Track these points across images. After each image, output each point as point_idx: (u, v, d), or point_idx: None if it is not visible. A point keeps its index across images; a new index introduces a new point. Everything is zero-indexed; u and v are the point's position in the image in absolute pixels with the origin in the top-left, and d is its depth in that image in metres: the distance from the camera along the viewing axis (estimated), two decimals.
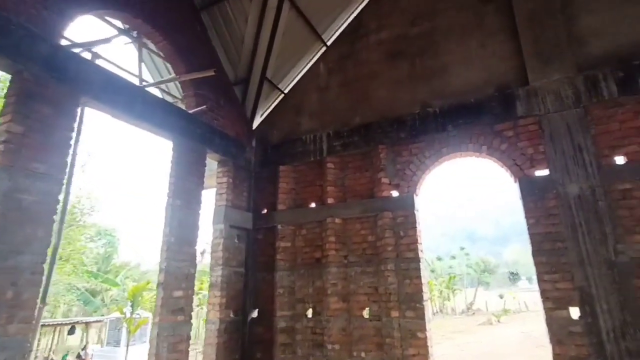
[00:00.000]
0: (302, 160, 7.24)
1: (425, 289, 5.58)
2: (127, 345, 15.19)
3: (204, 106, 6.46)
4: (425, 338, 5.27)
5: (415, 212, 5.90)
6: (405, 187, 6.07)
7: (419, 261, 5.63)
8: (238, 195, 7.35)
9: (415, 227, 5.81)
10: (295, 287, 6.70)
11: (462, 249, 50.43)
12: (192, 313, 5.82)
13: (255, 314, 7.01)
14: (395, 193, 6.16)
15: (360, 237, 6.37)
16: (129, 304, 16.04)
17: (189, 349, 5.79)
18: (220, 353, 6.23)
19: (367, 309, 6.03)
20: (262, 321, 6.83)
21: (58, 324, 14.46)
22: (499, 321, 25.77)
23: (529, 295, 45.39)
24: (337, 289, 6.17)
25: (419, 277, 5.56)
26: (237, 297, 6.89)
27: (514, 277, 59.97)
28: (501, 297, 39.14)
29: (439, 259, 45.96)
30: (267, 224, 7.15)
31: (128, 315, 15.60)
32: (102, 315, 18.93)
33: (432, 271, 41.82)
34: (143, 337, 15.83)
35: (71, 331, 11.64)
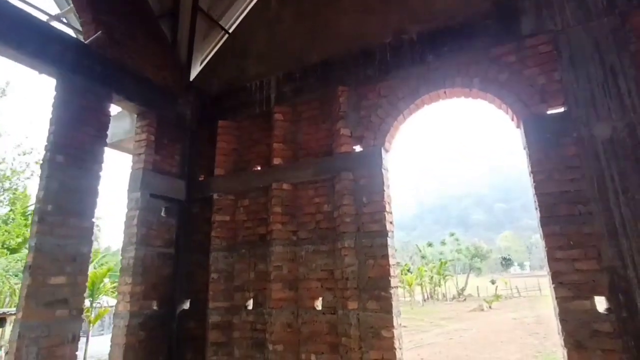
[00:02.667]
0: (246, 113, 5.71)
1: (394, 271, 4.15)
2: (87, 336, 13.91)
3: (100, 32, 4.85)
4: (392, 338, 3.86)
5: (383, 171, 4.43)
6: (371, 139, 4.58)
7: (387, 235, 4.18)
8: (166, 158, 5.81)
9: (383, 192, 4.34)
10: (234, 272, 5.25)
11: (452, 234, 49.36)
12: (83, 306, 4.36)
13: (186, 305, 5.56)
14: (357, 148, 4.67)
15: (313, 207, 4.90)
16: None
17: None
18: (132, 355, 4.79)
19: (320, 299, 4.60)
20: (194, 314, 5.39)
21: None
22: (490, 307, 24.78)
23: (520, 281, 44.82)
24: (282, 273, 4.72)
25: (385, 256, 4.12)
26: (163, 285, 5.43)
27: (506, 262, 59.34)
28: (493, 282, 38.31)
29: (430, 244, 44.92)
30: (204, 194, 5.65)
31: (87, 304, 14.24)
32: None
33: (423, 257, 40.82)
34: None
35: (0, 324, 10.15)
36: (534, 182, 3.56)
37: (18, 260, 14.96)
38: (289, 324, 4.55)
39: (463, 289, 36.23)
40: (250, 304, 5.04)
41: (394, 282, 4.10)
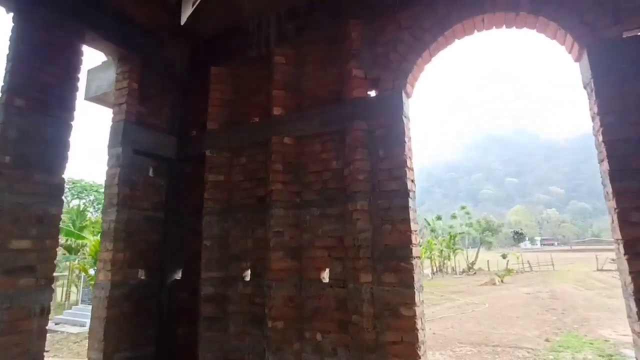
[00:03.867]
0: (243, 59, 4.92)
1: (415, 239, 3.46)
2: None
3: None
4: (414, 317, 3.22)
5: (404, 119, 3.66)
6: (389, 81, 3.79)
7: (408, 196, 3.47)
8: (153, 111, 5.10)
9: (403, 143, 3.59)
10: (230, 239, 4.62)
11: (463, 207, 48.41)
12: (55, 274, 3.79)
13: (178, 275, 5.00)
14: (372, 92, 3.89)
15: (320, 164, 4.18)
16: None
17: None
18: (116, 329, 4.27)
19: (326, 270, 3.97)
20: (187, 285, 4.83)
21: None
22: (502, 281, 24.27)
23: (532, 255, 44.22)
24: (283, 240, 4.07)
25: (406, 220, 3.42)
26: (152, 252, 4.85)
27: (518, 236, 58.32)
28: (504, 257, 37.70)
29: (439, 218, 44.13)
30: (196, 151, 4.96)
31: (92, 273, 14.04)
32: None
33: (432, 231, 40.18)
34: None
35: None
36: (601, 126, 2.77)
37: None
38: (290, 298, 3.95)
39: (473, 263, 35.75)
40: (247, 275, 4.45)
41: (415, 251, 3.42)
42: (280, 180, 4.18)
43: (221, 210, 4.65)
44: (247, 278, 4.43)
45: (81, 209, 23.12)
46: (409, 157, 3.61)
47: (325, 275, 3.99)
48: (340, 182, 3.99)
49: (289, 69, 4.50)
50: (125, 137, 4.55)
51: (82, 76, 4.18)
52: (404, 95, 3.70)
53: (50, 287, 3.68)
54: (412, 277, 3.31)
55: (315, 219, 4.07)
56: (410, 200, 3.48)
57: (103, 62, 5.85)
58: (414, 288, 3.28)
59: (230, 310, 4.42)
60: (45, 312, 3.63)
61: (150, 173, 4.97)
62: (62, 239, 15.76)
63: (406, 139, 3.62)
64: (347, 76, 3.99)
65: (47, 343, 3.81)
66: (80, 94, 4.93)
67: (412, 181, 3.62)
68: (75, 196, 36.61)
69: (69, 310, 15.12)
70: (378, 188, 3.62)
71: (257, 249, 4.39)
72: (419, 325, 3.23)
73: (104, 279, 4.28)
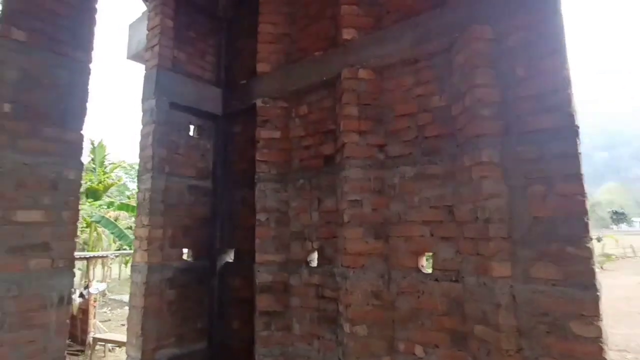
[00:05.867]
0: None
1: (585, 205, 2.06)
2: None
3: None
4: (598, 339, 1.87)
5: (559, 11, 2.22)
6: None
7: (576, 135, 2.07)
8: (194, 58, 4.15)
9: (561, 51, 2.16)
10: (290, 212, 3.56)
11: None
12: (75, 253, 3.02)
13: (230, 257, 4.10)
14: None
15: (413, 103, 2.89)
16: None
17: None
18: (157, 322, 3.48)
19: (427, 254, 2.73)
20: (241, 269, 3.91)
21: None
22: (602, 268, 20.95)
23: (632, 239, 38.39)
24: (362, 212, 2.88)
25: (574, 176, 2.03)
26: (199, 229, 3.99)
27: (618, 217, 50.88)
28: (599, 240, 33.03)
29: None
30: (245, 103, 3.93)
31: None
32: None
33: None
34: None
35: None
36: None
37: (100, 206, 15.36)
38: (375, 294, 2.78)
39: None
40: (314, 259, 3.36)
41: (588, 225, 2.03)
42: (356, 130, 2.97)
43: (278, 175, 3.59)
44: (314, 263, 3.34)
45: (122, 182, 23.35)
46: (567, 68, 2.16)
47: (425, 263, 2.76)
48: (446, 126, 2.67)
49: None
50: (160, 86, 3.64)
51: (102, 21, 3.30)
52: None
53: (70, 270, 2.91)
54: (590, 271, 1.94)
55: (408, 181, 2.82)
56: (578, 143, 2.08)
57: (143, 13, 5.05)
58: (594, 289, 1.92)
59: (292, 304, 3.39)
60: (64, 302, 2.86)
61: (193, 132, 4.06)
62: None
63: (562, 45, 2.18)
64: None
65: None
66: (123, 51, 4.14)
67: (574, 114, 2.19)
68: (133, 181, 38.43)
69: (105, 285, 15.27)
70: (517, 128, 2.25)
71: (326, 225, 3.27)
72: (604, 352, 1.88)
73: (141, 260, 3.47)
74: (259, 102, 3.69)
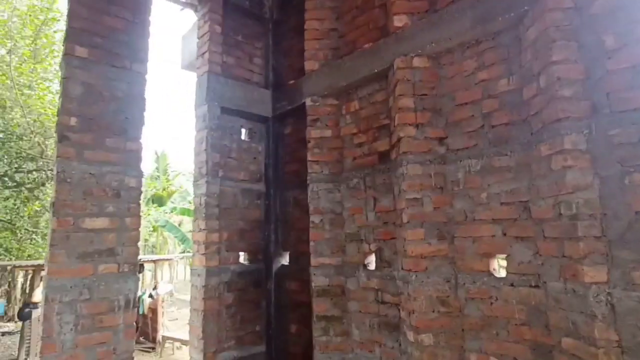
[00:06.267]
0: None
1: None
2: None
3: None
4: None
5: None
6: None
7: None
8: (242, 62, 4.17)
9: None
10: (344, 212, 3.42)
11: None
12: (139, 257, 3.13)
13: (285, 259, 4.05)
14: None
15: (477, 89, 2.61)
16: None
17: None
18: (217, 325, 3.52)
19: (500, 256, 2.45)
20: (296, 272, 3.84)
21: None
22: None
23: None
24: (423, 211, 2.66)
25: None
26: (254, 232, 4.00)
27: None
28: None
29: None
30: (294, 103, 3.86)
31: None
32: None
33: None
34: None
35: (139, 269, 10.84)
36: None
37: (165, 212, 16.33)
38: (441, 300, 2.55)
39: None
40: (371, 262, 3.19)
41: None
42: (412, 122, 2.76)
43: (330, 175, 3.46)
44: (372, 266, 3.17)
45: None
46: None
47: (497, 266, 2.48)
48: (517, 112, 2.38)
49: None
50: (211, 92, 3.69)
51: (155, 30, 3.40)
52: None
53: (135, 274, 3.02)
54: None
55: (474, 176, 2.55)
56: None
57: (193, 24, 5.21)
58: None
59: (351, 308, 3.25)
60: (131, 305, 2.97)
61: (244, 136, 4.08)
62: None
63: None
64: None
65: None
66: (177, 62, 4.25)
67: None
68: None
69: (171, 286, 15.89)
70: (607, 108, 1.92)
71: (383, 226, 3.08)
72: None
73: (199, 264, 3.53)
74: (308, 101, 3.60)
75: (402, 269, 2.73)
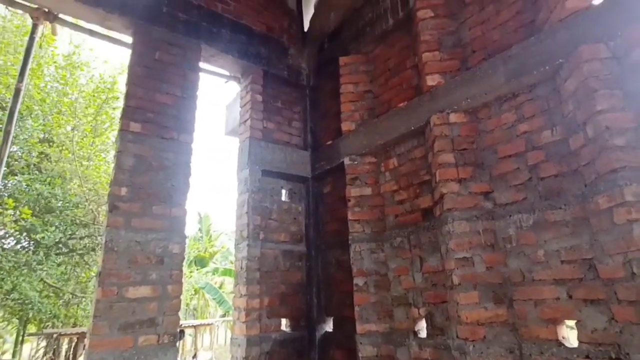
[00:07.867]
0: (376, 35, 3.78)
1: None
2: None
3: None
4: None
5: None
6: None
7: None
8: (282, 126, 4.37)
9: None
10: (389, 273, 3.26)
11: None
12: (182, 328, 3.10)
13: (329, 326, 3.86)
14: None
15: (519, 142, 2.53)
16: None
17: None
18: None
19: (568, 322, 2.19)
20: (341, 340, 3.63)
21: None
22: None
23: None
24: (474, 272, 2.49)
25: None
26: (295, 297, 3.89)
27: None
28: None
29: None
30: (332, 162, 3.92)
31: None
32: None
33: None
34: None
35: (180, 336, 10.66)
36: None
37: (207, 273, 16.47)
38: None
39: None
40: (422, 328, 2.96)
41: None
42: (454, 178, 2.69)
43: (373, 234, 3.38)
44: (422, 333, 2.94)
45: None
46: None
47: (566, 333, 2.21)
48: (566, 163, 2.26)
49: (441, 21, 3.12)
50: (252, 155, 3.85)
51: (202, 100, 3.70)
52: None
53: (174, 346, 2.98)
54: None
55: (527, 231, 2.38)
56: None
57: (237, 94, 5.62)
58: None
59: None
60: None
61: (284, 197, 4.14)
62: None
63: None
64: None
65: None
66: (221, 129, 4.55)
67: None
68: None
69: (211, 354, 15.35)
70: None
71: (432, 288, 2.90)
72: None
73: (240, 333, 3.43)
74: (346, 160, 3.65)
75: (457, 337, 2.50)
